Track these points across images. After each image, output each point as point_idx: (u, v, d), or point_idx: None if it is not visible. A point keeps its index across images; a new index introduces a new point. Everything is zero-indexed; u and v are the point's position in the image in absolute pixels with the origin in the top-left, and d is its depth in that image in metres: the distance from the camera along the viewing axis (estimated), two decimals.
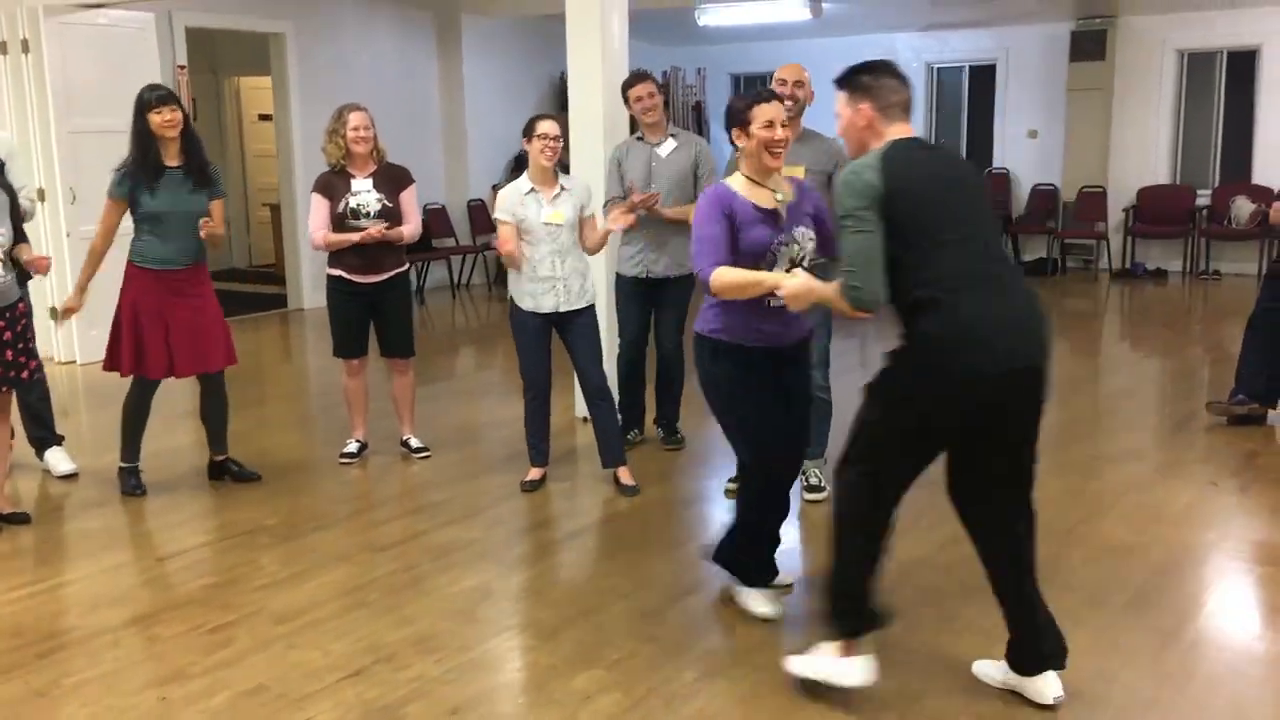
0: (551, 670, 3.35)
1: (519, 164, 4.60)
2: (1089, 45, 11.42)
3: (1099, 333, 9.42)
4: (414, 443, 5.55)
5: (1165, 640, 3.48)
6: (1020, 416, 3.00)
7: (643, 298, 5.39)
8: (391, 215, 5.22)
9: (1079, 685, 3.20)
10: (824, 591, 3.14)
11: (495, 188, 10.67)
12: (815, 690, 3.11)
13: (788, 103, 4.56)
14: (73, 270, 7.67)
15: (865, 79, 3.04)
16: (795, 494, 4.03)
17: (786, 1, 10.57)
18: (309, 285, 10.14)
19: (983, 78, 12.55)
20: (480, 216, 11.21)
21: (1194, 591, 3.89)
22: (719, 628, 3.61)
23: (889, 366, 2.99)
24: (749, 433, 3.56)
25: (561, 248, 4.74)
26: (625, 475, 4.96)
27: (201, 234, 4.75)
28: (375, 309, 5.36)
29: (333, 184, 5.23)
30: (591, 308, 4.87)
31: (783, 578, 3.82)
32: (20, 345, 4.56)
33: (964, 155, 12.59)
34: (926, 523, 4.15)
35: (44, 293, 7.96)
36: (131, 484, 5.03)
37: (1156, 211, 11.44)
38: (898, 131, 2.99)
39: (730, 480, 4.94)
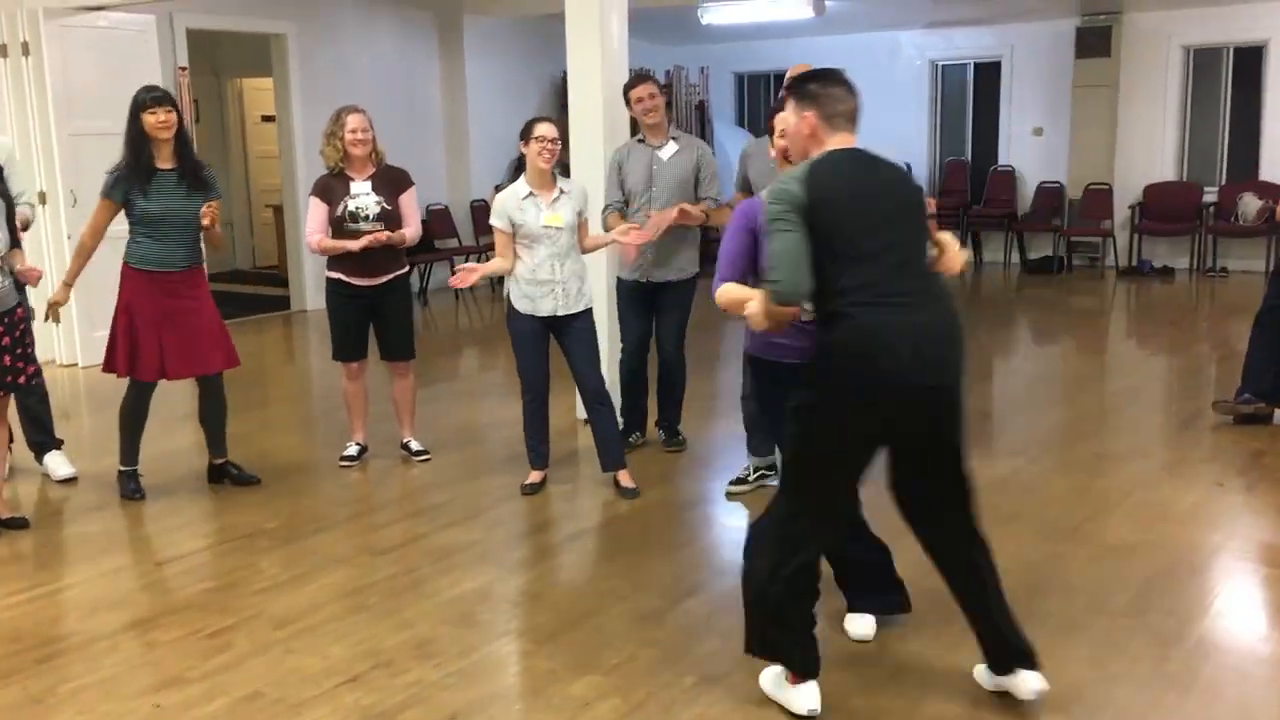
0: (550, 675, 3.33)
1: (521, 164, 4.57)
2: (1094, 41, 11.36)
3: (1105, 330, 9.38)
4: (414, 445, 5.53)
5: (1169, 642, 3.45)
6: (930, 433, 3.00)
7: (644, 302, 5.37)
8: (391, 218, 5.20)
9: (1080, 688, 3.18)
10: (758, 619, 3.09)
11: (498, 188, 10.65)
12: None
13: None
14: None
15: (812, 87, 3.04)
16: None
17: None
18: (312, 287, 10.12)
19: (987, 75, 12.50)
20: (483, 217, 11.15)
21: (1199, 593, 3.86)
22: (719, 632, 3.58)
23: (804, 379, 3.03)
24: None
25: (560, 251, 4.72)
26: (625, 478, 4.93)
27: (204, 221, 4.72)
28: (375, 312, 5.34)
29: (331, 187, 5.21)
30: (589, 311, 4.85)
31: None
32: (19, 350, 4.55)
33: (970, 155, 12.57)
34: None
35: (46, 296, 7.94)
36: (130, 488, 5.01)
37: (1163, 208, 11.38)
38: (839, 141, 3.00)
39: (732, 483, 4.92)
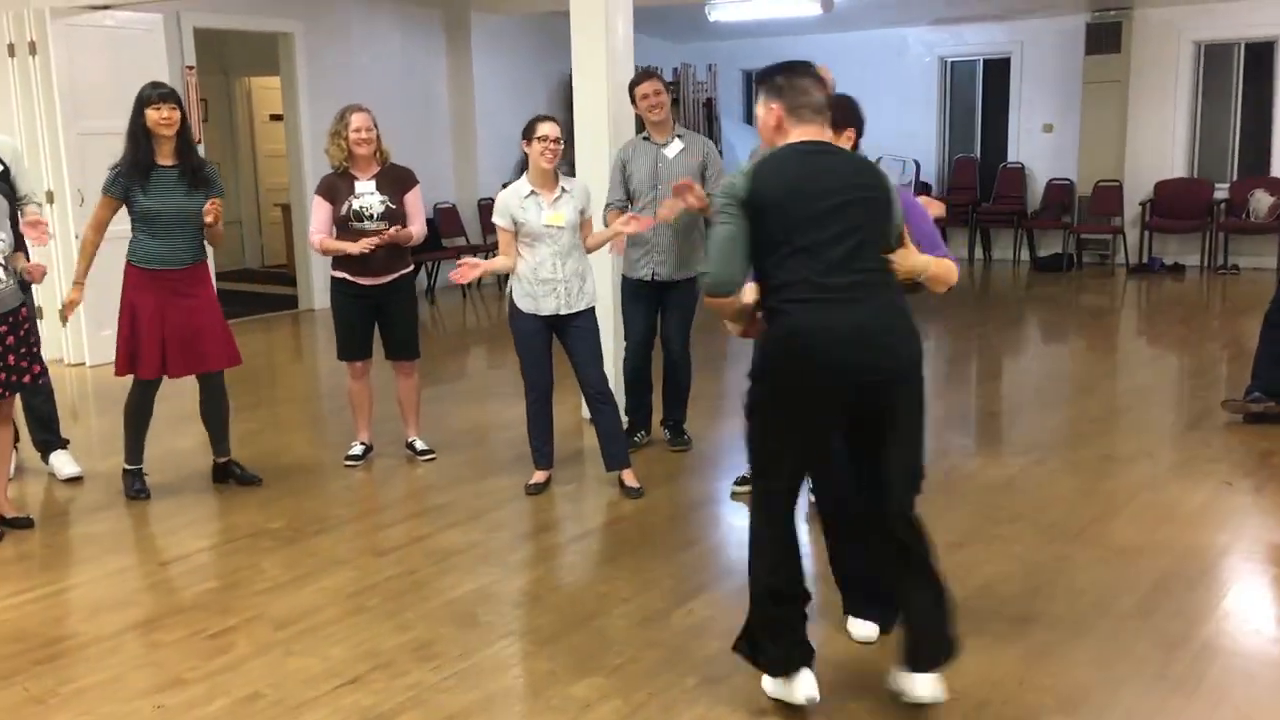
0: (551, 676, 3.32)
1: (527, 163, 4.58)
2: (1104, 38, 11.30)
3: (1114, 328, 9.34)
4: (419, 445, 5.53)
5: (1175, 644, 3.42)
6: (876, 420, 2.98)
7: (649, 300, 5.35)
8: (395, 217, 5.19)
9: (1086, 689, 3.15)
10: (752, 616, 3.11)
11: (505, 186, 10.63)
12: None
13: None
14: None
15: (778, 79, 3.03)
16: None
17: None
18: (319, 286, 10.12)
19: (997, 72, 12.45)
20: (490, 215, 11.15)
21: (1206, 594, 3.82)
22: (722, 633, 3.54)
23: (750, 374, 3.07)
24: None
25: (562, 250, 4.70)
26: (630, 478, 4.92)
27: (207, 219, 4.72)
28: (380, 311, 5.33)
29: (335, 186, 5.21)
30: (592, 310, 4.83)
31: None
32: (23, 350, 4.55)
33: (979, 152, 12.50)
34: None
35: (55, 296, 7.98)
36: (135, 487, 5.02)
37: (1174, 205, 11.32)
38: (802, 134, 2.99)
39: (736, 483, 4.90)
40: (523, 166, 4.81)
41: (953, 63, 12.75)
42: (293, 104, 10.10)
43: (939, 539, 4.09)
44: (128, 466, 5.05)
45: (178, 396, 5.26)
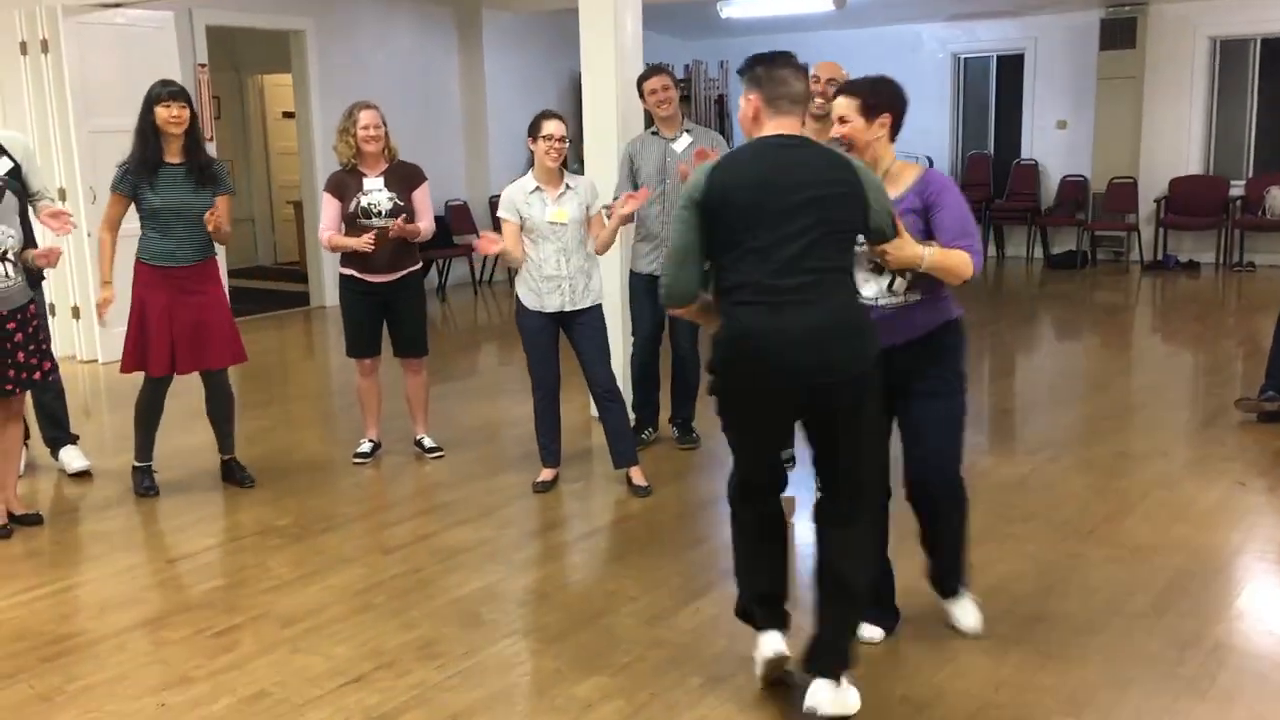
0: (556, 675, 3.30)
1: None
2: (1119, 33, 11.22)
3: (1129, 326, 9.28)
4: (427, 442, 5.52)
5: (1186, 644, 3.39)
6: (824, 425, 2.98)
7: (657, 295, 5.31)
8: (403, 214, 5.18)
9: (1094, 690, 3.12)
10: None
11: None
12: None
13: (819, 100, 4.50)
14: (93, 269, 7.71)
15: (759, 70, 3.00)
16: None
17: None
18: (331, 283, 10.11)
19: (1011, 68, 12.37)
20: None
21: (1218, 594, 3.79)
22: (727, 633, 3.52)
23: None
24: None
25: (566, 246, 4.69)
26: (638, 475, 4.90)
27: (209, 227, 4.72)
28: (388, 308, 5.33)
29: (344, 183, 5.20)
30: (598, 307, 4.81)
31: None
32: (32, 347, 4.55)
33: (992, 149, 12.42)
34: None
35: (66, 292, 8.01)
36: (145, 484, 5.02)
37: (1189, 202, 11.23)
38: (776, 126, 2.96)
39: None
40: (533, 164, 4.79)
41: (966, 59, 12.68)
42: (304, 101, 10.11)
43: None
44: (137, 464, 5.06)
45: (187, 394, 5.26)
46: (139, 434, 5.03)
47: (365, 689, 3.23)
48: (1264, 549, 4.17)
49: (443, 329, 9.36)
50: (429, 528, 4.57)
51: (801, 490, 4.26)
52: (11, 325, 4.45)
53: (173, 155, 4.76)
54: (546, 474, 4.97)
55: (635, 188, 5.24)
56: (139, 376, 4.93)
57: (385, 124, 5.20)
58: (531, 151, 4.71)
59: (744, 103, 3.02)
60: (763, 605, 3.14)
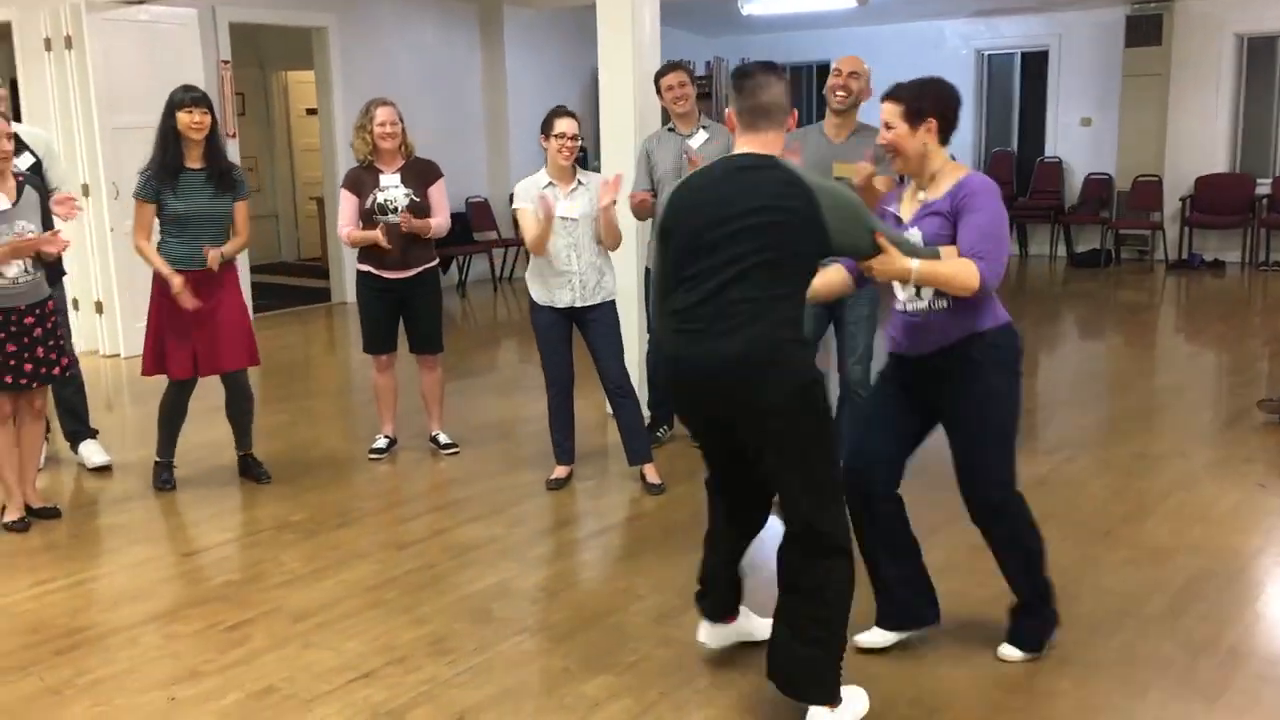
0: (564, 674, 3.30)
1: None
2: (1145, 30, 11.12)
3: (1153, 326, 9.19)
4: (442, 439, 5.53)
5: (1201, 649, 3.35)
6: (748, 454, 2.98)
7: None
8: (420, 210, 5.19)
9: (1107, 693, 3.09)
10: None
11: None
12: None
13: (839, 93, 4.47)
14: (117, 264, 7.79)
15: (734, 81, 2.98)
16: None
17: None
18: (351, 279, 10.13)
19: (1035, 64, 12.28)
20: None
21: (1234, 598, 3.74)
22: None
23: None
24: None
25: (577, 242, 4.68)
26: (651, 473, 4.89)
27: (211, 265, 4.75)
28: (405, 305, 5.34)
29: (361, 179, 5.22)
30: (611, 304, 4.80)
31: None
32: (51, 342, 4.59)
33: (1016, 146, 12.33)
34: (951, 529, 4.03)
35: (90, 287, 8.07)
36: (163, 478, 5.06)
37: (1214, 201, 11.12)
38: (745, 142, 2.95)
39: None
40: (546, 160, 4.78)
41: (990, 55, 12.60)
42: (326, 98, 10.14)
43: (966, 539, 4.04)
44: (158, 459, 5.10)
45: (207, 390, 5.28)
46: (161, 432, 5.07)
47: (374, 685, 3.24)
48: None
49: (462, 325, 9.37)
50: (442, 524, 4.58)
51: None
52: (30, 320, 4.48)
53: (193, 160, 4.79)
54: (560, 471, 4.97)
55: (652, 183, 5.24)
56: (162, 375, 4.96)
57: (402, 120, 5.21)
58: (545, 149, 4.71)
59: (728, 114, 3.01)
60: (699, 586, 3.33)
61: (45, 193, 4.78)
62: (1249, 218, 11.01)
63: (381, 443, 5.50)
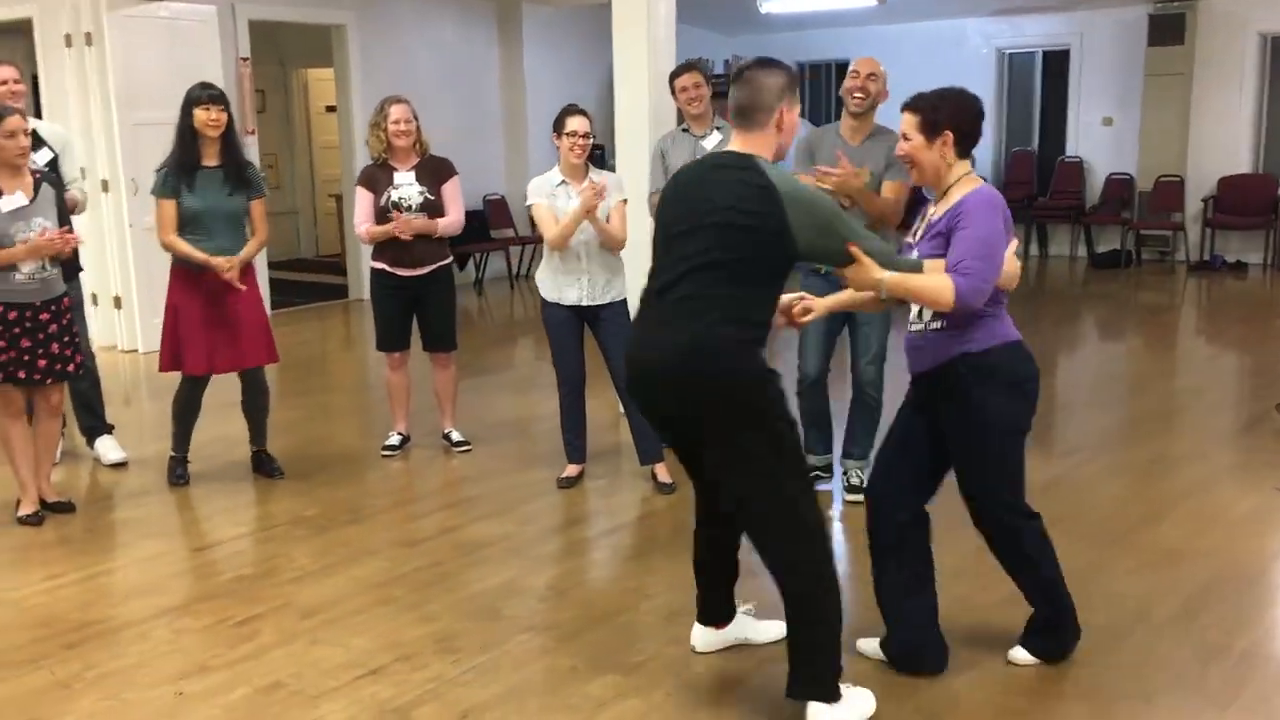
0: (571, 673, 3.29)
1: None
2: (1167, 29, 11.02)
3: (1174, 327, 9.12)
4: (455, 436, 5.53)
5: (1214, 654, 3.32)
6: (697, 456, 3.01)
7: None
8: (433, 208, 5.20)
9: (1116, 699, 3.06)
10: None
11: None
12: None
13: (857, 96, 4.44)
14: (135, 259, 7.82)
15: (733, 78, 2.99)
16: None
17: None
18: (369, 276, 10.18)
19: (1056, 63, 12.20)
20: None
21: (1249, 604, 3.70)
22: None
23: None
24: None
25: (587, 239, 4.67)
26: (663, 472, 4.88)
27: (232, 281, 4.76)
28: (418, 302, 5.35)
29: (376, 177, 5.23)
30: (622, 302, 4.79)
31: None
32: (66, 338, 4.61)
33: (1037, 145, 12.25)
34: (956, 534, 4.00)
35: (108, 283, 8.11)
36: (177, 473, 5.08)
37: (1237, 201, 11.01)
38: (733, 143, 2.96)
39: None
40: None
41: (1011, 54, 12.51)
42: (345, 95, 10.17)
43: (972, 543, 4.01)
44: (173, 454, 5.12)
45: (223, 385, 5.30)
46: (176, 428, 5.09)
47: (381, 681, 3.24)
48: None
49: (478, 322, 9.38)
50: (453, 521, 4.58)
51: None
52: (45, 316, 4.51)
53: (209, 158, 4.80)
54: (571, 470, 4.97)
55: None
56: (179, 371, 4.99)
57: (417, 118, 5.22)
58: (557, 147, 4.70)
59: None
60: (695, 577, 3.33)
61: (62, 189, 4.80)
62: (1272, 219, 10.90)
63: (394, 440, 5.51)
